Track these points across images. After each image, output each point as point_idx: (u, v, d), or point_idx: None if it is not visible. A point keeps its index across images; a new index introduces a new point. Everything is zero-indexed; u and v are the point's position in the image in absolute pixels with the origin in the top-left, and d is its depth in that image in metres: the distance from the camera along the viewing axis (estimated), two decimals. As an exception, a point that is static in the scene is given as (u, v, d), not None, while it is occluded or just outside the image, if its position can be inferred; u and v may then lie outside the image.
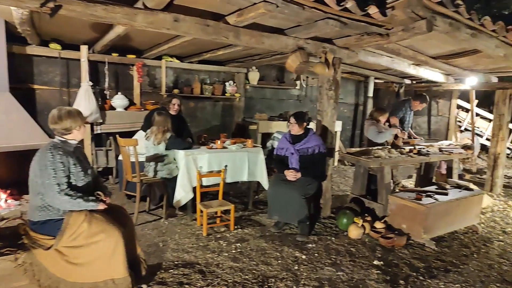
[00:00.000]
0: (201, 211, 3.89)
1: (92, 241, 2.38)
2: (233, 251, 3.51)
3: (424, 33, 3.65)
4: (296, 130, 4.13)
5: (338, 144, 7.97)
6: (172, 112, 4.45)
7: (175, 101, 4.51)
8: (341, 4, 3.29)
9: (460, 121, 10.29)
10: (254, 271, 3.14)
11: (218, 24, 3.35)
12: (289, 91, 7.73)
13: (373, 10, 3.53)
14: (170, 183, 4.13)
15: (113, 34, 4.04)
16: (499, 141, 6.54)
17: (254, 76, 6.90)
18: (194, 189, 4.07)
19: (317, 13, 3.30)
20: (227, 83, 6.65)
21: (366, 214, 4.39)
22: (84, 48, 5.07)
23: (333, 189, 6.23)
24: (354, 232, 4.07)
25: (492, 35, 4.29)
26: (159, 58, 5.84)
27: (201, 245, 3.60)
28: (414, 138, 6.07)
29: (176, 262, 3.22)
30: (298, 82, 7.49)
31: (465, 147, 6.21)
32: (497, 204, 5.91)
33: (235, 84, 6.73)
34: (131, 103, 5.67)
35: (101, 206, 2.52)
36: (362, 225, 4.12)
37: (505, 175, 8.55)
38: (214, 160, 4.20)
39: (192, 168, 4.06)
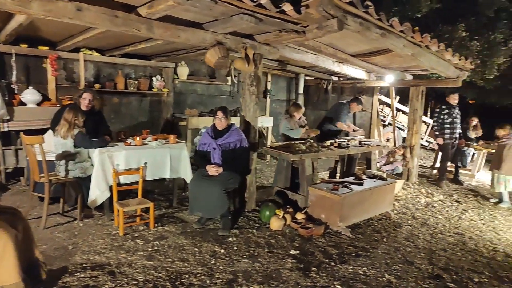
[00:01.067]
0: (118, 210, 3.73)
1: (-25, 246, 2.17)
2: (149, 250, 3.42)
3: (336, 31, 3.81)
4: (224, 124, 4.13)
5: (270, 139, 8.14)
6: (84, 108, 4.17)
7: (86, 95, 4.23)
8: (255, 0, 3.33)
9: (384, 116, 11.05)
10: (168, 269, 3.08)
11: (128, 16, 3.22)
12: (220, 86, 7.72)
13: (287, 7, 3.61)
14: (84, 182, 3.91)
15: (15, 23, 3.72)
16: (414, 134, 7.11)
17: (183, 71, 6.77)
18: (111, 188, 3.90)
19: (231, 7, 3.30)
20: (154, 78, 6.45)
21: (288, 206, 4.53)
22: (-16, 38, 4.61)
23: (262, 183, 6.35)
24: (275, 224, 4.17)
25: (400, 35, 4.62)
26: (77, 50, 5.49)
27: (116, 246, 3.45)
28: (354, 130, 6.64)
29: (84, 265, 3.05)
30: (229, 78, 7.50)
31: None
32: (411, 192, 6.43)
33: (162, 79, 6.55)
34: (46, 98, 5.27)
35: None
36: (283, 217, 4.24)
37: (422, 166, 9.34)
38: (132, 157, 4.05)
39: (107, 166, 3.87)
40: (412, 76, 7.40)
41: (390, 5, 8.06)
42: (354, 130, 6.57)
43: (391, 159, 7.04)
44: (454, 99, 6.87)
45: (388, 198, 4.94)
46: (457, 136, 6.97)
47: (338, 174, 6.35)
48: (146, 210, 4.07)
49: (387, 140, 9.73)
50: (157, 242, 3.59)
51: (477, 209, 5.67)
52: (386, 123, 10.70)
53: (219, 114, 4.09)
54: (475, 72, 9.68)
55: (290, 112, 5.56)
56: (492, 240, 4.41)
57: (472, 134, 6.91)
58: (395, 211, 5.20)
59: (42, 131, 4.75)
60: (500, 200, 6.01)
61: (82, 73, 5.56)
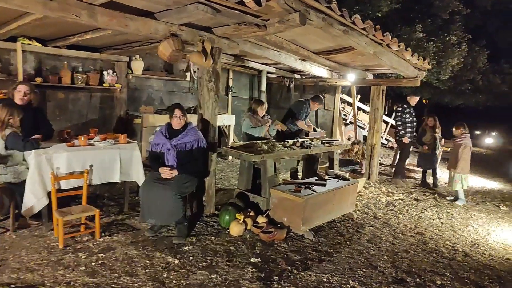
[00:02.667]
0: (58, 220, 3.31)
1: None
2: (93, 264, 3.04)
3: (298, 26, 3.63)
4: (183, 123, 3.82)
5: (232, 138, 7.87)
6: (18, 101, 3.68)
7: (21, 87, 3.73)
8: (212, -12, 3.06)
9: (346, 115, 11.14)
10: (113, 286, 2.74)
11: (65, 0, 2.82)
12: (179, 82, 7.32)
13: (248, -2, 3.37)
14: (17, 188, 3.43)
15: None
16: (375, 133, 7.14)
17: (138, 66, 6.33)
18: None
19: (185, -5, 3.01)
20: (105, 72, 5.96)
21: (249, 209, 4.29)
22: None
23: (224, 184, 6.09)
24: (235, 229, 3.92)
25: (363, 33, 4.54)
26: (13, 39, 4.90)
27: (53, 260, 3.04)
28: (315, 130, 6.49)
29: (12, 286, 2.64)
30: (188, 74, 7.13)
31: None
32: (373, 191, 6.44)
33: (115, 73, 6.07)
34: (-24, 92, 4.67)
35: None
36: (244, 221, 4.00)
37: (382, 164, 9.49)
38: (75, 160, 3.62)
39: (45, 170, 3.43)
40: (373, 76, 7.43)
41: (352, 3, 8.05)
42: (314, 130, 6.50)
43: (347, 156, 7.06)
44: (415, 100, 7.01)
45: (351, 199, 4.85)
46: (414, 135, 7.13)
47: (300, 174, 6.22)
48: (93, 218, 3.65)
49: (349, 139, 9.80)
50: (102, 254, 3.22)
51: (435, 207, 5.75)
52: (348, 121, 10.78)
53: (177, 112, 3.77)
54: (431, 72, 9.98)
55: (253, 108, 5.34)
56: (451, 239, 4.43)
57: (428, 136, 6.93)
58: (357, 211, 5.14)
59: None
60: (456, 198, 6.15)
61: (20, 65, 4.97)
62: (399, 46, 5.10)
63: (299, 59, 6.48)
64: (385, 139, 12.32)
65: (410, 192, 6.60)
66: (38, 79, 5.18)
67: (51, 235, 3.52)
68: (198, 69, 7.40)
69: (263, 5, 3.38)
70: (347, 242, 4.04)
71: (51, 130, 4.08)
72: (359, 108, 11.31)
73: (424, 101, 18.44)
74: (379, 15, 8.28)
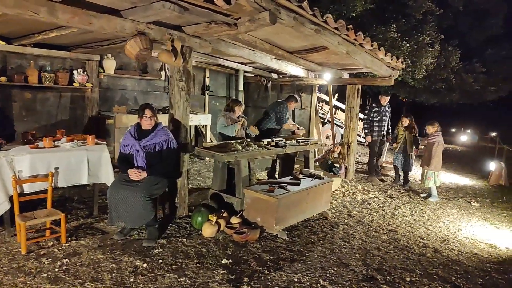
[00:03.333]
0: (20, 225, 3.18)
1: None
2: (56, 270, 2.94)
3: (269, 25, 3.61)
4: (153, 123, 3.73)
5: (208, 137, 7.80)
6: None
7: None
8: (178, -15, 3.00)
9: (324, 114, 11.20)
10: (76, 292, 2.66)
11: (21, -5, 2.71)
12: (153, 82, 7.20)
13: (217, -4, 3.32)
14: (-24, 193, 3.29)
15: None
16: (351, 131, 7.21)
17: (110, 65, 6.17)
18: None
19: (150, -8, 2.93)
20: (75, 72, 5.78)
21: (223, 210, 4.24)
22: None
23: (199, 184, 6.02)
24: (208, 231, 3.87)
25: (335, 33, 4.55)
26: (-25, 37, 4.71)
27: (14, 267, 2.92)
28: (299, 129, 6.62)
29: (-33, 296, 2.52)
30: (162, 73, 7.02)
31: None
32: (349, 189, 6.49)
33: (85, 72, 5.90)
34: None
35: None
36: (217, 222, 3.95)
37: (359, 162, 9.60)
38: (39, 162, 3.49)
39: (6, 173, 3.29)
40: (348, 75, 7.50)
41: (327, 3, 8.09)
42: (298, 129, 6.62)
43: (327, 157, 7.08)
44: (384, 99, 7.09)
45: (325, 197, 4.87)
46: (385, 133, 7.23)
47: (277, 174, 6.21)
48: (59, 222, 3.53)
49: (327, 138, 9.86)
50: (67, 260, 3.11)
51: (409, 204, 5.85)
52: (326, 120, 10.85)
53: (148, 112, 3.68)
54: (406, 71, 10.17)
55: (231, 106, 5.27)
56: (423, 235, 4.51)
57: (400, 136, 6.88)
58: (332, 210, 5.17)
59: None
60: (429, 195, 6.27)
61: (-18, 64, 4.79)
62: (372, 45, 5.15)
63: (275, 58, 6.46)
64: (363, 137, 12.48)
65: (385, 189, 6.69)
66: (3, 78, 4.98)
67: (13, 241, 3.38)
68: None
69: (233, 3, 3.34)
70: (320, 241, 4.05)
71: (13, 132, 3.91)
72: (337, 107, 11.41)
73: (402, 99, 18.80)
74: (354, 14, 8.37)
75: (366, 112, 7.15)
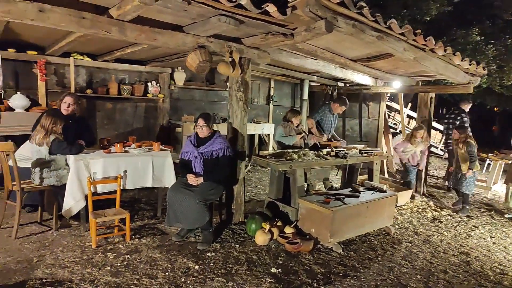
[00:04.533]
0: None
1: None
2: (118, 264, 3.21)
3: (325, 34, 3.56)
4: (206, 132, 3.93)
5: (271, 146, 7.88)
6: (64, 112, 4.05)
7: (67, 99, 4.10)
8: (234, 0, 3.12)
9: (395, 124, 10.62)
10: (132, 287, 2.87)
11: (96, 17, 3.06)
12: (220, 92, 7.53)
13: (271, 8, 3.38)
14: (59, 190, 3.76)
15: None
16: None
17: (180, 77, 6.63)
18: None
19: (207, 8, 3.09)
20: (149, 84, 6.33)
21: (277, 219, 4.25)
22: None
23: (259, 193, 6.09)
24: (260, 238, 3.90)
25: (401, 38, 4.32)
26: (67, 55, 5.41)
27: (84, 259, 3.26)
28: (335, 140, 6.04)
29: (44, 280, 2.87)
30: (228, 84, 7.29)
31: None
32: (418, 204, 6.03)
33: (158, 84, 6.41)
34: (35, 103, 5.20)
35: None
36: (270, 230, 3.96)
37: (434, 176, 8.88)
38: (110, 165, 3.87)
39: (83, 174, 3.71)
40: (420, 83, 7.02)
41: (398, 9, 7.71)
42: (331, 140, 5.95)
43: (409, 145, 6.08)
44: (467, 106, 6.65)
45: (388, 212, 4.59)
46: None
47: (335, 185, 6.02)
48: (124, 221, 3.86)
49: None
50: (128, 256, 3.38)
51: (489, 225, 5.23)
52: (398, 130, 10.27)
53: (200, 121, 3.88)
54: (492, 78, 9.18)
55: (288, 118, 5.31)
56: (502, 261, 4.00)
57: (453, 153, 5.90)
58: (396, 226, 4.85)
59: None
60: (515, 216, 5.55)
61: (73, 78, 5.47)
62: (445, 50, 4.77)
63: (339, 67, 6.33)
64: (440, 149, 11.50)
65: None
66: (89, 91, 5.65)
67: (87, 235, 3.78)
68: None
69: (288, 14, 3.38)
70: (379, 258, 3.82)
71: (93, 138, 4.41)
72: (410, 117, 10.75)
73: (495, 109, 16.90)
74: (428, 18, 7.82)
75: (453, 117, 6.71)
